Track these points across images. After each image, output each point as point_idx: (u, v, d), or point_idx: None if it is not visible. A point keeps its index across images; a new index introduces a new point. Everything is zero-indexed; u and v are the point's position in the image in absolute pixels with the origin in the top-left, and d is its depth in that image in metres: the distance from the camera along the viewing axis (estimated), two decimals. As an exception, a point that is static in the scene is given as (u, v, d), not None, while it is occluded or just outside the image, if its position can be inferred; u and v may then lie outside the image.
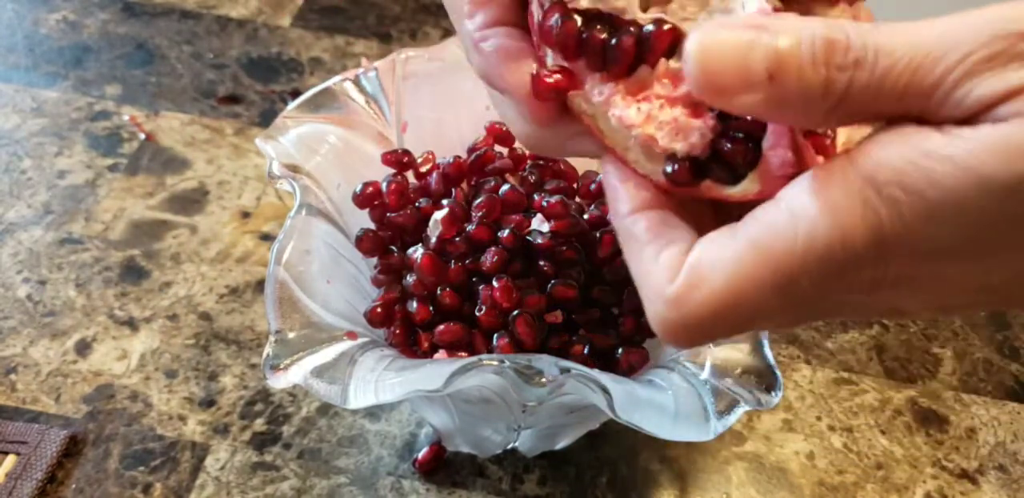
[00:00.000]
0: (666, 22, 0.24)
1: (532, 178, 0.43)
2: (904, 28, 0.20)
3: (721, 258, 0.22)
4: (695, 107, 0.24)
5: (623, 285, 0.40)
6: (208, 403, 0.49)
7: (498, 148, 0.44)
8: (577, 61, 0.26)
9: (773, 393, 0.33)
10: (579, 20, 0.25)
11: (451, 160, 0.42)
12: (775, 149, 0.23)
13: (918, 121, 0.20)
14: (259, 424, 0.48)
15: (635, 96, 0.25)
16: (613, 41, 0.25)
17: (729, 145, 0.24)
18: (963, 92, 0.19)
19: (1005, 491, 0.48)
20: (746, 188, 0.24)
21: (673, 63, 0.25)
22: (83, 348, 0.51)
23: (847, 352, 0.54)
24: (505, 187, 0.40)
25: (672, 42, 0.24)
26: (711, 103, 0.22)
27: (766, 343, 0.35)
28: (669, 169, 0.25)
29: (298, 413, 0.48)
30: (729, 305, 0.21)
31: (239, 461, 0.46)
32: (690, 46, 0.21)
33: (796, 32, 0.21)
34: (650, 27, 0.25)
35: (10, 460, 0.45)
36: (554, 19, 0.25)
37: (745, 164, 0.24)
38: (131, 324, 0.52)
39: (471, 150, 0.44)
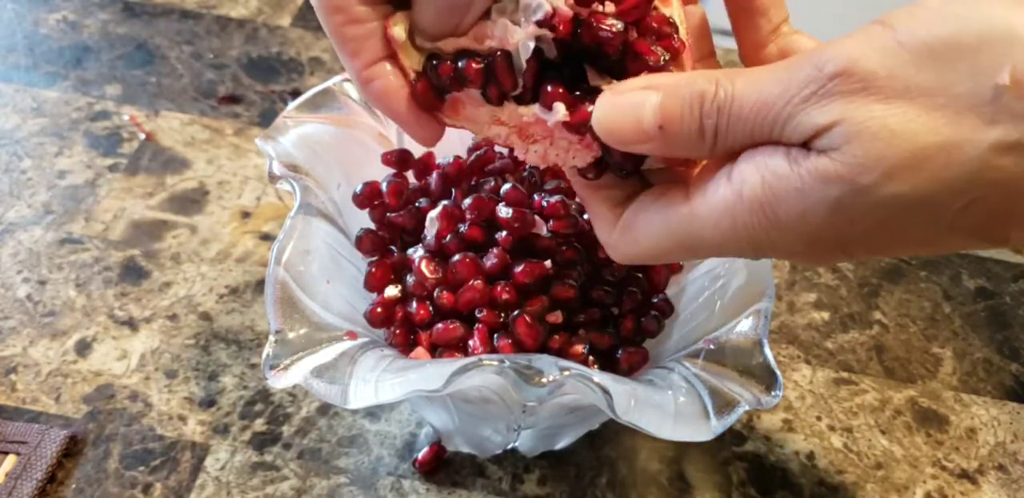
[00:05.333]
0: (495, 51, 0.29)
1: (532, 178, 0.43)
2: (756, 75, 0.25)
3: (648, 230, 0.29)
4: (579, 134, 0.30)
5: (623, 285, 0.40)
6: (208, 403, 0.49)
7: (498, 148, 0.44)
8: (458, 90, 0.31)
9: (773, 393, 0.33)
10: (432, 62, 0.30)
11: (451, 160, 0.42)
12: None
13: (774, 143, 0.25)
14: (259, 424, 0.48)
15: (526, 140, 0.31)
16: (461, 66, 0.30)
17: (613, 159, 0.30)
18: (791, 127, 0.24)
19: (1005, 491, 0.48)
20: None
21: (523, 109, 0.30)
22: (83, 348, 0.51)
23: (847, 352, 0.54)
24: (506, 186, 0.40)
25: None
26: (620, 149, 0.28)
27: (766, 343, 0.35)
28: (580, 175, 0.31)
29: (298, 413, 0.48)
30: (654, 259, 0.30)
31: (239, 461, 0.46)
32: (595, 113, 0.28)
33: (676, 89, 0.27)
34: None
35: (10, 460, 0.45)
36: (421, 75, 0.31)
37: (630, 166, 0.30)
38: (131, 324, 0.52)
39: (471, 150, 0.44)
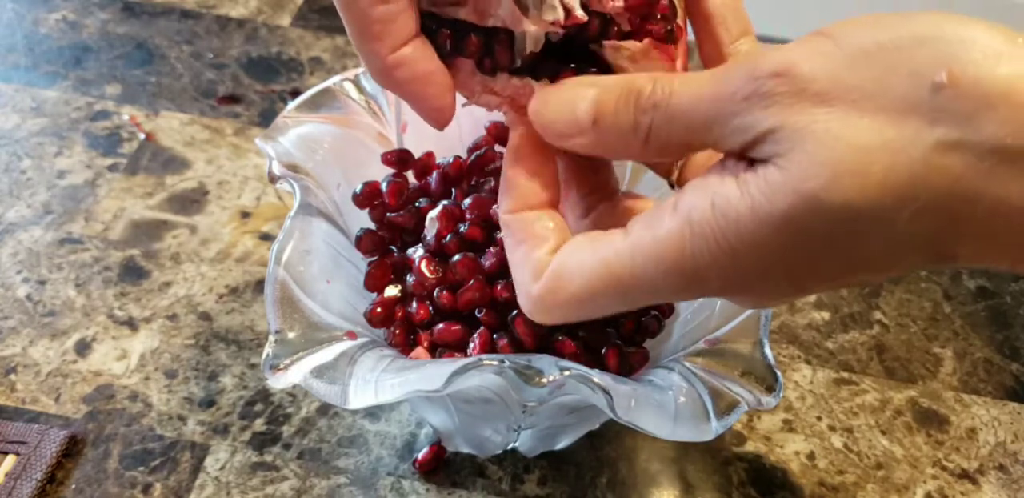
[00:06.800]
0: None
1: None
2: (696, 76, 0.25)
3: (580, 270, 0.27)
4: None
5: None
6: (208, 403, 0.49)
7: (498, 148, 0.44)
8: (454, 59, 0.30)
9: (773, 393, 0.33)
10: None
11: (451, 160, 0.42)
12: None
13: (721, 162, 0.25)
14: (259, 424, 0.48)
15: (519, 110, 0.31)
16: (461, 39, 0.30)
17: None
18: (731, 127, 0.24)
19: (1005, 491, 0.48)
20: None
21: (516, 81, 0.30)
22: (83, 348, 0.51)
23: (847, 352, 0.54)
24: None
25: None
26: (553, 144, 0.29)
27: (766, 343, 0.35)
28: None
29: (298, 413, 0.48)
30: (579, 307, 0.27)
31: (239, 461, 0.46)
32: (531, 105, 0.28)
33: (613, 86, 0.27)
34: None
35: (10, 460, 0.45)
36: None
37: None
38: (131, 324, 0.52)
39: (471, 150, 0.44)
